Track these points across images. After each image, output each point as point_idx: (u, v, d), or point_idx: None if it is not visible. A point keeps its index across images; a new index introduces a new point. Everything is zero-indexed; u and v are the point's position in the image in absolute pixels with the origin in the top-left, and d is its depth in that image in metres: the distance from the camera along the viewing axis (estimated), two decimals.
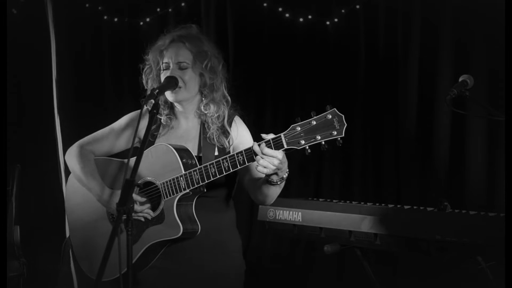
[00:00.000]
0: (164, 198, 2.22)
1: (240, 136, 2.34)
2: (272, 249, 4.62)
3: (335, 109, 1.95)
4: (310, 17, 4.49)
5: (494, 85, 3.76)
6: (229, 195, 2.39)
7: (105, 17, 5.15)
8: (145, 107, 2.37)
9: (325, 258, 4.06)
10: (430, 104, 4.05)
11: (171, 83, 2.25)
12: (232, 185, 2.40)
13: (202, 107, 2.33)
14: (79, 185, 2.43)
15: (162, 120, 2.39)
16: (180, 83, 2.28)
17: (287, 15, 4.56)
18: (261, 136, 2.04)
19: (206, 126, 2.33)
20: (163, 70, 2.32)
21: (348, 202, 3.39)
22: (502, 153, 3.65)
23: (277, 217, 3.44)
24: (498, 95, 3.67)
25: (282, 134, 2.00)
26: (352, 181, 4.39)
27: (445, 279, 3.63)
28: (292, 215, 3.39)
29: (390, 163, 4.23)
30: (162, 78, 2.31)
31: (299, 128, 1.97)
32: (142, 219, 2.26)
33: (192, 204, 2.25)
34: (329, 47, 4.47)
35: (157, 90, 2.19)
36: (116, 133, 2.46)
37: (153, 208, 2.26)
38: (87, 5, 5.14)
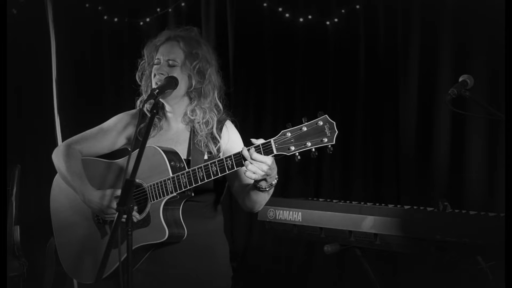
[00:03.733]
0: (151, 201, 2.18)
1: (231, 141, 2.31)
2: (272, 249, 4.61)
3: (326, 115, 1.91)
4: (310, 17, 4.49)
5: (494, 85, 3.76)
6: (218, 200, 2.36)
7: (105, 17, 5.15)
8: (138, 108, 2.37)
9: (325, 258, 4.07)
10: (430, 104, 4.05)
11: (171, 83, 2.23)
12: (221, 191, 2.36)
13: (188, 112, 2.30)
14: (65, 186, 2.38)
15: None
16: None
17: (287, 15, 4.56)
18: (251, 141, 2.00)
19: (195, 131, 2.29)
20: (154, 65, 2.31)
21: (348, 202, 3.39)
22: (502, 153, 3.64)
23: (277, 217, 3.44)
24: (498, 95, 3.67)
25: (272, 140, 1.95)
26: (352, 181, 4.38)
27: (445, 279, 3.63)
28: (292, 215, 3.38)
29: (390, 163, 4.22)
30: (152, 73, 2.30)
31: (289, 134, 1.93)
32: None
33: (179, 208, 2.21)
34: (329, 47, 4.47)
35: (157, 90, 2.17)
36: (105, 134, 2.42)
37: (140, 211, 2.21)
38: (87, 5, 5.15)
